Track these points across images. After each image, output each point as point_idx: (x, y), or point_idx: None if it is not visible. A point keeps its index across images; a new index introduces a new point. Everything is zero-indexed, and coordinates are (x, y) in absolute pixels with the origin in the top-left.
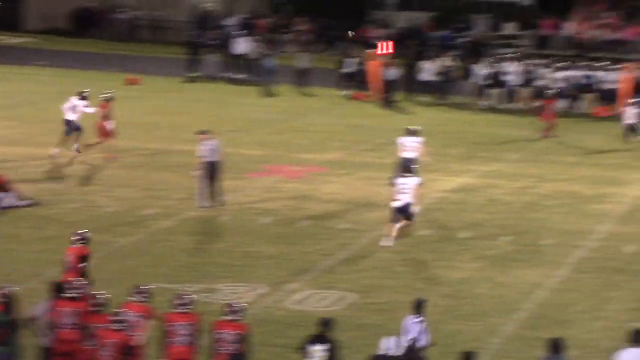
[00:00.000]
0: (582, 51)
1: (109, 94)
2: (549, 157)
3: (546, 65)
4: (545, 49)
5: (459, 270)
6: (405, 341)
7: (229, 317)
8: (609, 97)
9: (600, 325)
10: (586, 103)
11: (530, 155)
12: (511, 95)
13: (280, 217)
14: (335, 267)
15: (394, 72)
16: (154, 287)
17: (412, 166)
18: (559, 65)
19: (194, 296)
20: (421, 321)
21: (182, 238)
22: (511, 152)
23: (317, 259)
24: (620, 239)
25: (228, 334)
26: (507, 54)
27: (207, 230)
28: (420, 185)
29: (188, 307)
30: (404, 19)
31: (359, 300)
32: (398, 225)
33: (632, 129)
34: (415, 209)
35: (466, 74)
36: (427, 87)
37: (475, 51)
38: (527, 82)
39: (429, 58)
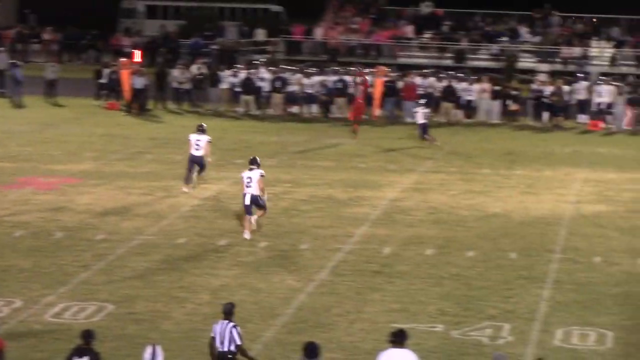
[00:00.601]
0: (333, 56)
1: None
2: (303, 162)
3: (298, 71)
4: (297, 54)
5: (218, 277)
6: (225, 346)
7: None
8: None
9: (361, 327)
10: (339, 107)
11: (285, 161)
12: (264, 101)
13: (34, 230)
14: (92, 278)
15: (144, 81)
16: None
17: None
18: (310, 70)
19: None
20: (235, 326)
21: None
22: (266, 158)
23: (73, 271)
24: (377, 241)
25: None
26: (258, 60)
27: None
28: (263, 176)
29: None
30: (154, 27)
31: (118, 310)
32: (252, 219)
33: (424, 129)
34: (264, 198)
35: (218, 80)
36: (179, 95)
37: (226, 58)
38: (280, 88)
39: (179, 66)
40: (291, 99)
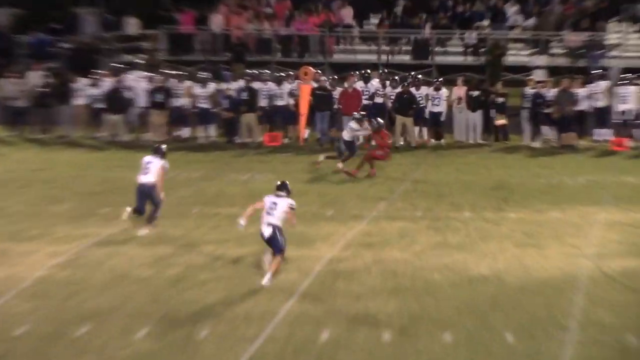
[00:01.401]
0: (238, 54)
1: None
2: (199, 209)
3: (187, 77)
4: (186, 53)
5: None
6: None
7: None
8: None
9: None
10: (248, 128)
11: (173, 208)
12: (139, 121)
13: None
14: None
15: None
16: None
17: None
18: (205, 75)
19: None
20: None
21: None
22: None
23: None
24: (310, 323)
25: None
26: (131, 62)
27: None
28: (293, 209)
29: None
30: None
31: None
32: (267, 260)
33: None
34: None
35: (70, 94)
36: (13, 116)
37: (83, 61)
38: (162, 103)
39: (12, 74)
40: (178, 117)
